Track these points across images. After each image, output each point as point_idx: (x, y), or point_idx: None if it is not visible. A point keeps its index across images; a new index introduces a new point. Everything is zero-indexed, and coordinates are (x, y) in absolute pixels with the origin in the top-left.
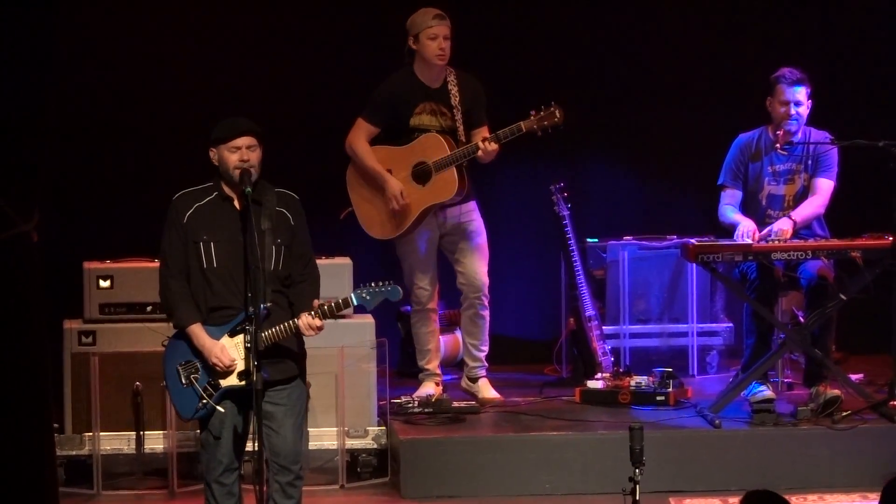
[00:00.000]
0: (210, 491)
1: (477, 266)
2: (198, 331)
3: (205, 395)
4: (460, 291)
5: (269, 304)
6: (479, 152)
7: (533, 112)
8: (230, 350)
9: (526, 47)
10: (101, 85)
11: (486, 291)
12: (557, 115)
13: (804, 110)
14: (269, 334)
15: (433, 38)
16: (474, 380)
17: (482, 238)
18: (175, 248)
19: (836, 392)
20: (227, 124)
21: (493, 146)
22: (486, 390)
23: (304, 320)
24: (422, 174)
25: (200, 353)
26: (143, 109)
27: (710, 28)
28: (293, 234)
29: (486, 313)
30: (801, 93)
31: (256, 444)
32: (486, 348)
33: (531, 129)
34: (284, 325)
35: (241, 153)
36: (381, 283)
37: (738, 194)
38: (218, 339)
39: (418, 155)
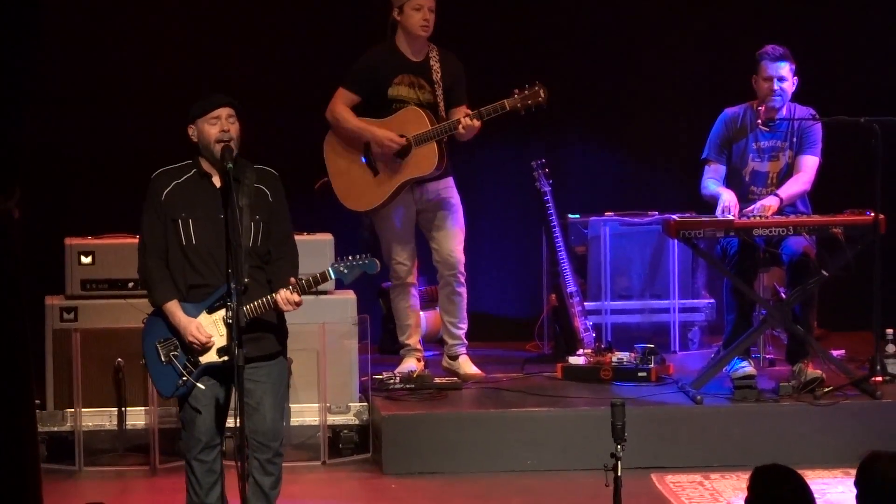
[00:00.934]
0: (190, 468)
1: (451, 244)
2: (174, 308)
3: (184, 372)
4: (435, 269)
5: (246, 280)
6: (460, 128)
7: (517, 90)
8: (208, 327)
9: (507, 23)
10: (81, 61)
11: (462, 269)
12: (542, 94)
13: (788, 86)
14: (247, 309)
15: (418, 8)
16: (454, 357)
17: (458, 215)
18: (153, 227)
19: (818, 372)
20: (205, 99)
21: (475, 123)
22: (467, 367)
23: (282, 295)
24: (401, 148)
25: (178, 331)
26: (124, 85)
27: (693, 3)
28: (271, 211)
29: (463, 290)
30: (784, 68)
31: (238, 421)
32: (464, 325)
33: (514, 107)
34: (262, 301)
35: (221, 123)
36: (358, 257)
37: (722, 169)
38: (195, 316)
39: (398, 128)
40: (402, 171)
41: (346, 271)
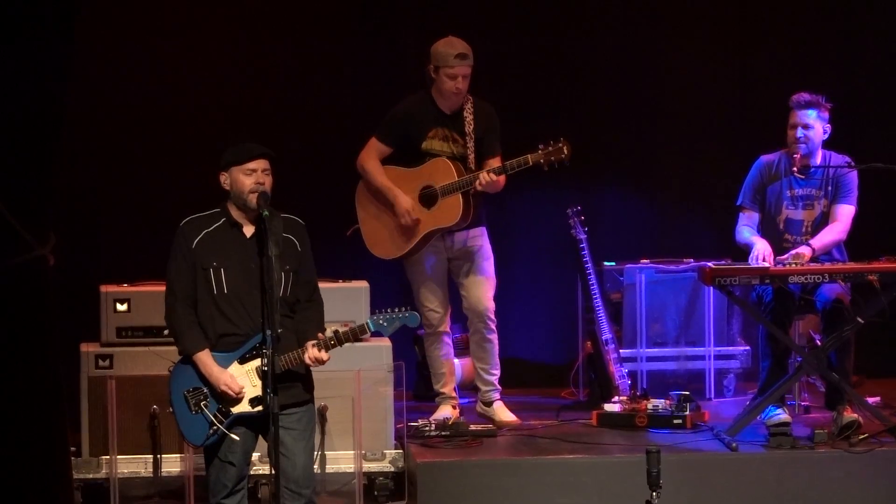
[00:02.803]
0: None
1: (480, 291)
2: (205, 358)
3: (216, 421)
4: (466, 316)
5: (280, 331)
6: (477, 185)
7: (541, 146)
8: (240, 377)
9: (542, 71)
10: (116, 108)
11: (492, 315)
12: (565, 151)
13: (814, 134)
14: (283, 360)
15: (452, 77)
16: (489, 403)
17: (488, 263)
18: (182, 275)
19: (855, 416)
20: (241, 148)
21: (494, 178)
22: (502, 413)
23: (311, 353)
24: (428, 197)
25: (208, 380)
26: (159, 133)
27: (729, 51)
28: (300, 261)
29: (494, 337)
30: (810, 116)
31: (273, 469)
32: (497, 371)
33: (538, 162)
34: (296, 353)
35: (256, 176)
36: (398, 310)
37: (756, 216)
38: (226, 366)
39: (426, 178)
40: (427, 221)
41: (385, 324)
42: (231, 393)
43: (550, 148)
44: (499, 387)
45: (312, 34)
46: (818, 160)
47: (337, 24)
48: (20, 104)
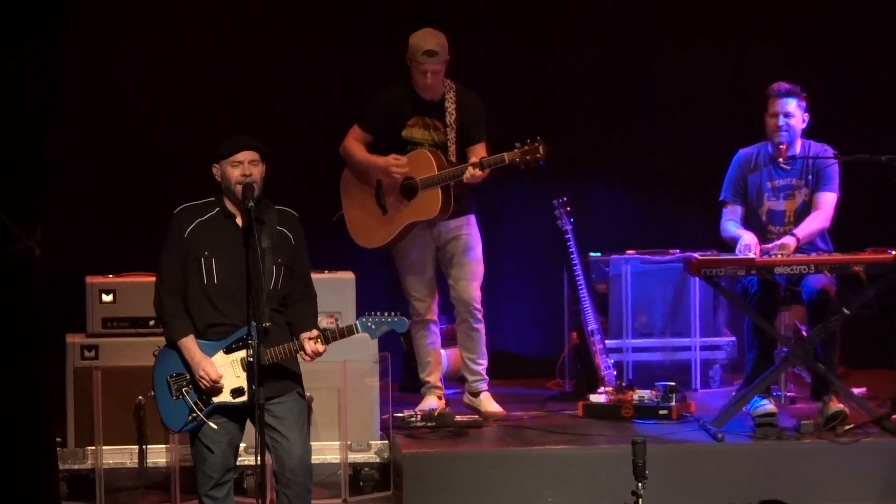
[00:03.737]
0: None
1: (467, 281)
2: (189, 344)
3: (195, 408)
4: (452, 305)
5: (268, 324)
6: (465, 178)
7: (518, 145)
8: (224, 367)
9: (530, 62)
10: (103, 100)
11: (478, 305)
12: (541, 150)
13: (795, 122)
14: (270, 354)
15: (422, 72)
16: (475, 394)
17: (475, 253)
18: (173, 263)
19: (841, 406)
20: (230, 140)
21: (479, 172)
22: (489, 404)
23: (309, 346)
24: (409, 189)
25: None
26: (146, 124)
27: (711, 45)
28: (294, 254)
29: (481, 326)
30: (790, 104)
31: (259, 459)
32: (484, 361)
33: (514, 161)
34: (287, 346)
35: (242, 168)
36: (387, 314)
37: (739, 210)
38: (212, 355)
39: (408, 170)
40: (407, 213)
41: (373, 327)
42: (207, 380)
43: (527, 147)
44: (486, 377)
45: (300, 25)
46: (798, 150)
47: (325, 15)
48: (9, 98)
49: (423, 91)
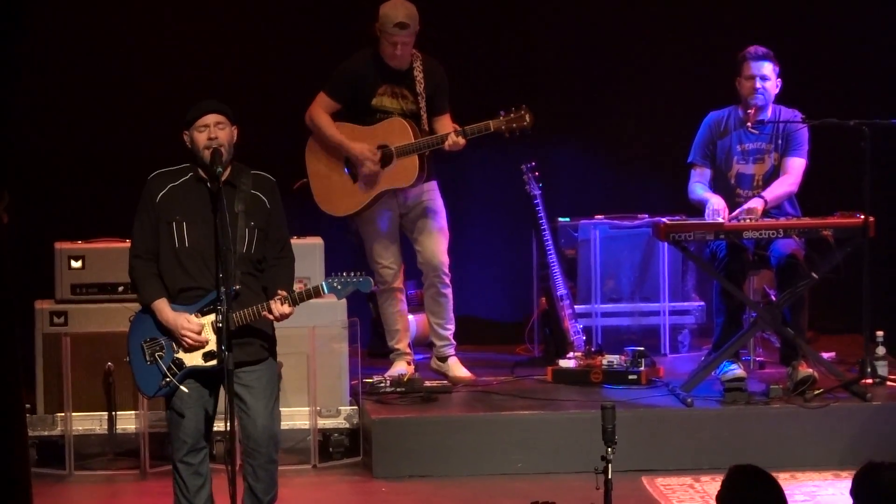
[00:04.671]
0: (177, 471)
1: (435, 245)
2: (162, 306)
3: (168, 373)
4: (421, 271)
5: (237, 287)
6: (446, 145)
7: (503, 112)
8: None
9: (495, 28)
10: (70, 65)
11: (446, 270)
12: (527, 118)
13: (770, 85)
14: (239, 316)
15: (392, 44)
16: (443, 359)
17: (441, 217)
18: (145, 228)
19: (810, 371)
20: (196, 106)
21: (461, 140)
22: (457, 369)
23: (276, 307)
24: (384, 157)
25: (166, 331)
26: (115, 88)
27: (679, 7)
28: (269, 218)
29: (448, 291)
30: (766, 67)
31: (228, 425)
32: (451, 326)
33: (499, 129)
34: (253, 309)
35: (209, 131)
36: (353, 274)
37: (708, 172)
38: None
39: (381, 137)
40: (381, 180)
41: (339, 287)
42: (191, 335)
43: (512, 115)
44: (454, 342)
45: None
46: (769, 114)
47: None
48: None
49: (391, 60)
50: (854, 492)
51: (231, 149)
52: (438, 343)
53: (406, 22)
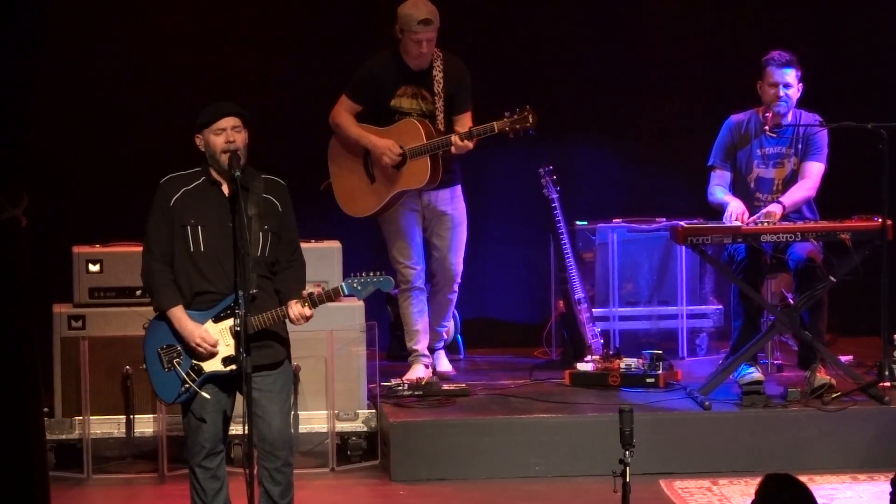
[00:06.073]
0: (194, 475)
1: (452, 256)
2: (179, 314)
3: (188, 379)
4: (433, 274)
5: (255, 291)
6: (452, 149)
7: (507, 114)
8: (216, 336)
9: (515, 31)
10: (89, 68)
11: (459, 280)
12: (530, 119)
13: (793, 92)
14: (258, 320)
15: (416, 42)
16: (431, 350)
17: (462, 228)
18: (160, 232)
19: (827, 378)
20: (211, 108)
21: (467, 143)
22: (441, 362)
23: (295, 309)
24: (398, 160)
25: (182, 337)
26: (133, 92)
27: (700, 10)
28: (281, 222)
29: (454, 296)
30: (790, 75)
31: (246, 428)
32: (447, 324)
33: (503, 130)
34: (274, 312)
35: (226, 135)
36: (372, 274)
37: (728, 175)
38: (202, 323)
39: (396, 139)
40: (396, 182)
41: (359, 287)
42: (205, 346)
43: (516, 116)
44: (445, 338)
45: None
46: (789, 118)
47: None
48: None
49: (412, 60)
50: None
51: (246, 152)
52: (431, 336)
53: (430, 18)
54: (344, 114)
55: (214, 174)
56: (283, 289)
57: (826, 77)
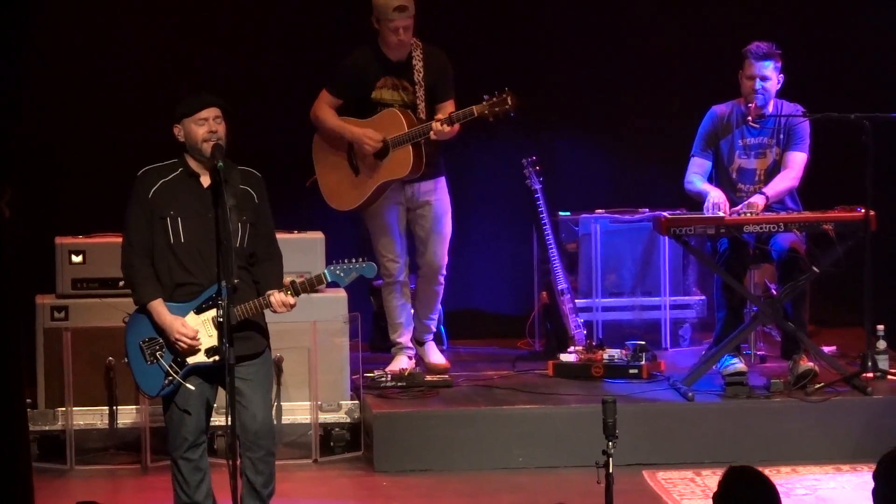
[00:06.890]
0: (177, 467)
1: (437, 247)
2: (159, 307)
3: (171, 371)
4: (418, 266)
5: (236, 281)
6: (432, 134)
7: (486, 97)
8: (198, 327)
9: (498, 21)
10: (71, 59)
11: (444, 272)
12: (509, 101)
13: (771, 85)
14: (240, 310)
15: (393, 30)
16: (420, 343)
17: (447, 220)
18: (139, 225)
19: (811, 364)
20: (192, 98)
21: (447, 128)
22: (433, 354)
23: (278, 297)
24: (381, 150)
25: (162, 330)
26: (114, 84)
27: (683, 1)
28: (257, 213)
29: (440, 288)
30: (767, 67)
31: (229, 419)
32: (435, 317)
33: (482, 114)
34: (255, 302)
35: (208, 125)
36: (355, 260)
37: (707, 164)
38: (183, 316)
39: (378, 129)
40: (379, 172)
41: (342, 274)
42: (185, 340)
43: (495, 99)
44: (433, 330)
45: None
46: (770, 109)
47: None
48: None
49: (391, 51)
50: (880, 475)
51: (225, 144)
52: (419, 328)
53: (405, 5)
54: (324, 107)
55: (192, 165)
56: (262, 280)
57: (809, 67)
